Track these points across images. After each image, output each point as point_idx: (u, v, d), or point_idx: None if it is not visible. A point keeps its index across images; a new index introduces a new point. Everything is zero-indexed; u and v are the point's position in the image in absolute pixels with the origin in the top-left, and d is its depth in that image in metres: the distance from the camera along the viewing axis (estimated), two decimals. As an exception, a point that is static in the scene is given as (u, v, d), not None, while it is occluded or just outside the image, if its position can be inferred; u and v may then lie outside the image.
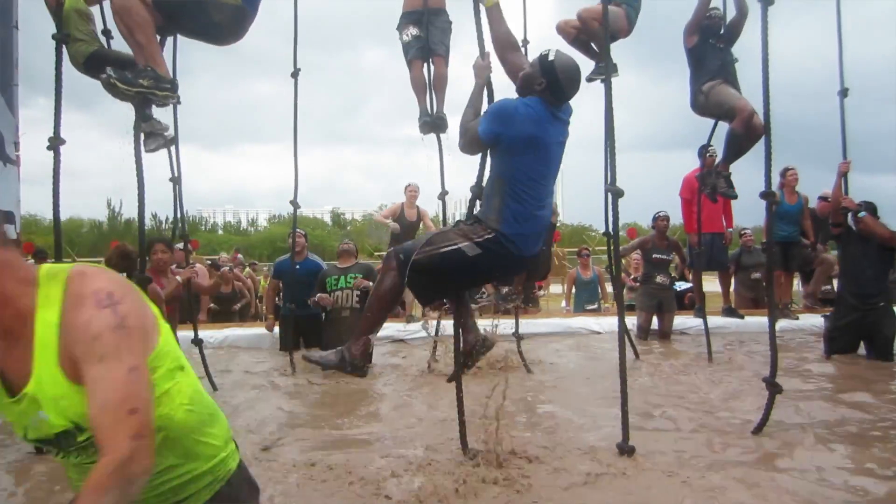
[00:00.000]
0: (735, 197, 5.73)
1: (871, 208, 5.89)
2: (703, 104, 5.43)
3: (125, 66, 4.97)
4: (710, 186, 5.69)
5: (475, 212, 3.19)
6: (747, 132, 4.99)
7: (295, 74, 5.63)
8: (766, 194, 3.53)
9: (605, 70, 3.52)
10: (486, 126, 2.98)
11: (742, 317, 8.03)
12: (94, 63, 5.13)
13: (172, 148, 4.88)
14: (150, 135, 4.30)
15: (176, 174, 4.98)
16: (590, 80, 5.38)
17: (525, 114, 2.91)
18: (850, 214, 5.89)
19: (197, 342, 5.35)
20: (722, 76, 5.34)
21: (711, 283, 8.60)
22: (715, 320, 7.56)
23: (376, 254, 16.58)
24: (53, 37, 3.57)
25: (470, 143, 3.14)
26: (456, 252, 2.94)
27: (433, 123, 5.13)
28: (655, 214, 7.75)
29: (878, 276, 5.90)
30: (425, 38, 4.98)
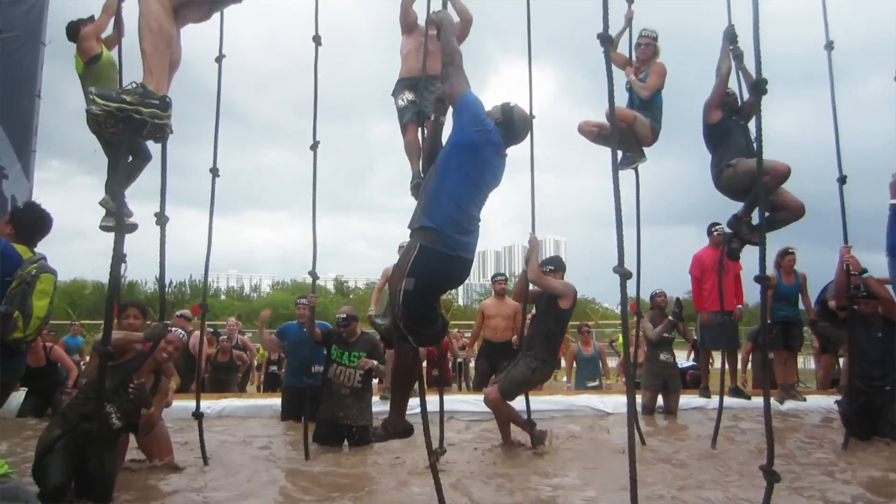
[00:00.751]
0: (757, 242, 5.56)
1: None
2: (730, 176, 5.31)
3: (138, 152, 5.15)
4: (732, 240, 5.56)
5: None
6: (773, 185, 5.00)
7: (314, 147, 5.73)
8: (761, 278, 3.53)
9: (614, 167, 3.60)
10: (443, 163, 3.36)
11: (749, 397, 7.90)
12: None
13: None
14: (110, 214, 4.39)
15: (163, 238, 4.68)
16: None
17: (487, 122, 3.35)
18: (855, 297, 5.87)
19: (197, 416, 5.21)
20: (748, 153, 5.36)
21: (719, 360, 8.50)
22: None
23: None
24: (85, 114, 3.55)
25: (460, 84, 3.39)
26: (405, 295, 3.22)
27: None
28: (653, 293, 7.76)
29: (884, 359, 5.85)
30: (420, 103, 5.10)
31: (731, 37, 5.31)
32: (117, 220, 3.64)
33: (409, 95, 5.31)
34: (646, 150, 6.08)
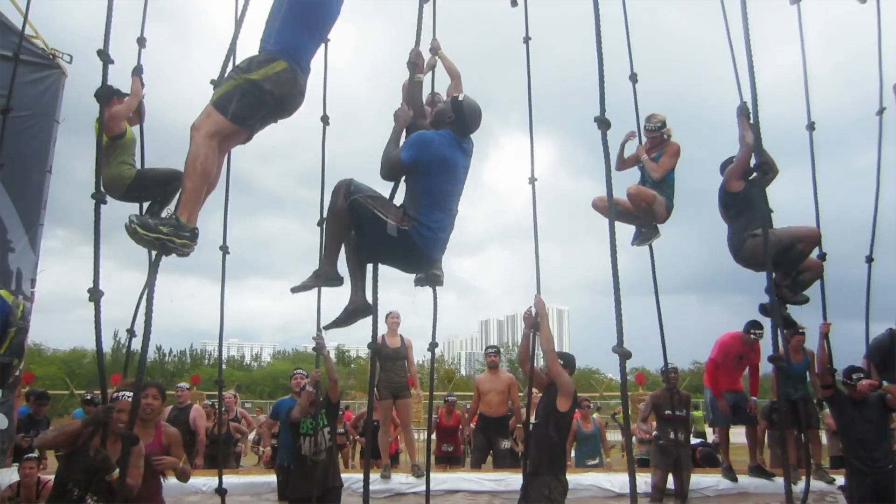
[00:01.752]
0: (806, 300, 5.53)
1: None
2: (757, 245, 5.19)
3: (167, 182, 5.42)
4: (780, 307, 5.50)
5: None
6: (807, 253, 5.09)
7: (321, 223, 5.84)
8: (774, 358, 3.52)
9: (611, 241, 3.63)
10: (408, 153, 3.54)
11: (772, 477, 7.64)
12: (137, 184, 5.64)
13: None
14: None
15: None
16: (636, 244, 5.60)
17: (439, 141, 3.55)
18: (842, 377, 5.84)
19: (221, 492, 5.16)
20: (771, 222, 5.40)
21: (736, 435, 8.30)
22: (741, 480, 7.22)
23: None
24: (92, 196, 3.66)
25: (392, 169, 3.63)
26: (381, 222, 3.44)
27: (428, 278, 5.22)
28: (664, 368, 7.63)
29: (881, 437, 5.72)
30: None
31: (746, 112, 5.42)
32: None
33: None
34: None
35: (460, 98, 3.77)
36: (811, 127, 6.29)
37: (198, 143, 3.31)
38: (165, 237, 3.31)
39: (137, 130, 6.02)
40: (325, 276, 3.68)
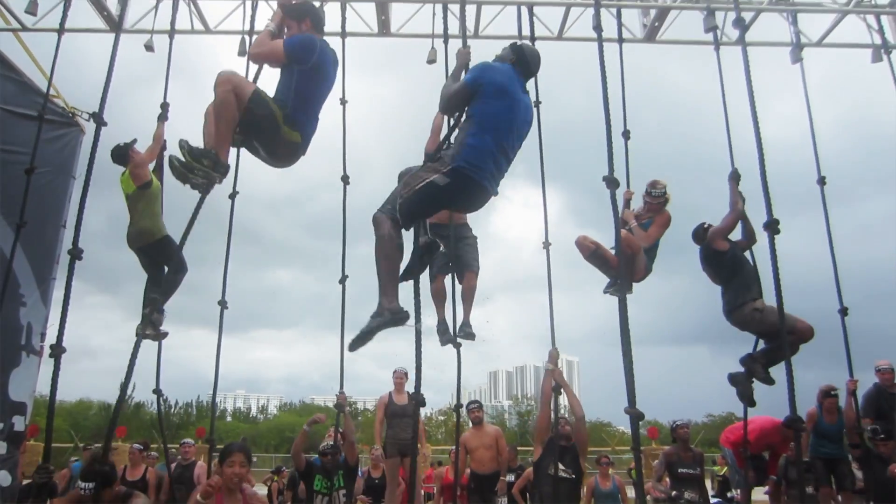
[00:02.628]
0: (772, 382, 5.52)
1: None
2: (757, 319, 5.39)
3: (178, 265, 5.66)
4: (743, 381, 5.52)
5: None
6: (796, 346, 5.09)
7: (342, 281, 5.91)
8: (792, 421, 3.45)
9: (620, 290, 3.64)
10: (470, 75, 3.68)
11: None
12: (159, 246, 5.85)
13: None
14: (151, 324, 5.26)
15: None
16: (606, 292, 5.57)
17: (499, 69, 3.67)
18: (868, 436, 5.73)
19: None
20: (760, 288, 5.49)
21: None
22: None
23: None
24: (69, 252, 3.80)
25: (453, 97, 3.71)
26: (429, 185, 3.47)
27: (464, 334, 5.25)
28: (674, 424, 7.47)
29: None
30: (448, 254, 5.23)
31: (736, 178, 5.60)
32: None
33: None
34: (655, 270, 6.20)
35: (518, 43, 3.90)
36: (822, 181, 6.39)
37: (224, 95, 3.60)
38: (204, 169, 3.67)
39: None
40: (389, 314, 3.45)
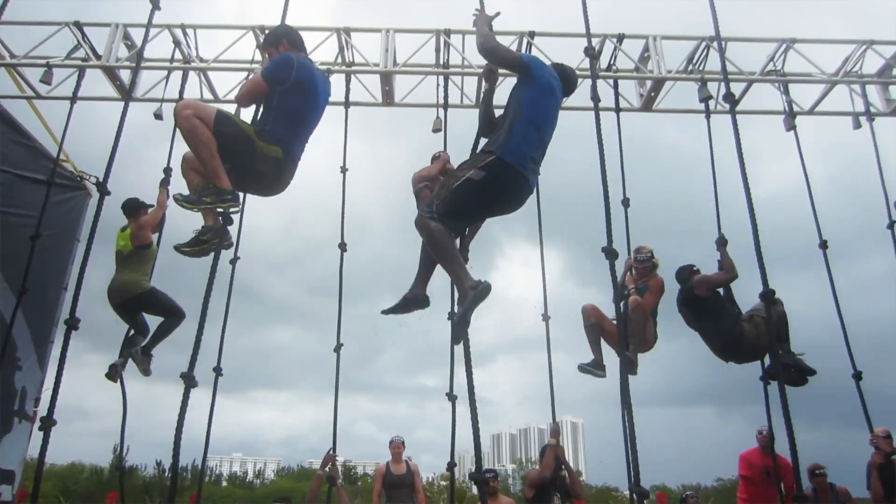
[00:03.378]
0: (814, 372, 5.49)
1: None
2: (751, 330, 5.50)
3: (168, 311, 5.72)
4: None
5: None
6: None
7: (337, 349, 5.91)
8: (798, 498, 3.37)
9: (623, 369, 3.62)
10: (527, 57, 3.82)
11: None
12: (143, 298, 5.86)
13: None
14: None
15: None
16: (582, 370, 5.67)
17: (550, 69, 3.80)
18: None
19: None
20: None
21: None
22: None
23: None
24: (65, 322, 3.81)
25: (505, 55, 3.85)
26: (465, 182, 3.44)
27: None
28: (684, 495, 7.33)
29: None
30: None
31: (724, 242, 5.79)
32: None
33: None
34: (659, 331, 6.19)
35: (560, 63, 4.07)
36: (823, 245, 6.49)
37: (189, 120, 3.44)
38: (211, 205, 3.52)
39: (155, 238, 6.39)
40: (472, 292, 3.41)
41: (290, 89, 3.64)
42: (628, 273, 6.39)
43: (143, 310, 6.23)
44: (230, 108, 3.88)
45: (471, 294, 3.33)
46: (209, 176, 3.56)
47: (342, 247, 6.28)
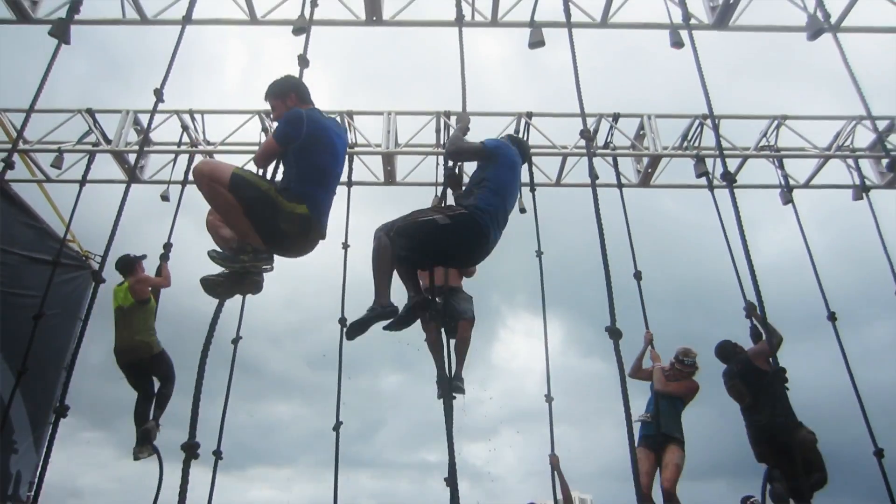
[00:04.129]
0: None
1: None
2: (810, 441, 5.29)
3: (169, 379, 5.67)
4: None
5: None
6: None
7: (336, 428, 5.85)
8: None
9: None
10: (491, 142, 4.13)
11: None
12: (153, 361, 6.11)
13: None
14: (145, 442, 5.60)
15: None
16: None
17: (511, 148, 4.19)
18: None
19: None
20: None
21: None
22: None
23: None
24: (55, 410, 3.77)
25: (469, 150, 4.19)
26: (431, 221, 3.69)
27: (451, 387, 5.10)
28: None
29: None
30: (443, 306, 5.12)
31: (753, 308, 5.72)
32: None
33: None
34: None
35: (516, 135, 4.51)
36: (832, 318, 6.50)
37: (213, 188, 3.42)
38: (248, 263, 3.48)
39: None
40: (380, 309, 3.72)
41: (306, 145, 3.58)
42: (653, 347, 6.37)
43: (151, 372, 6.23)
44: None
45: (378, 309, 3.71)
46: (241, 236, 3.51)
47: (342, 322, 6.28)
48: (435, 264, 4.27)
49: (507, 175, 4.06)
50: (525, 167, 7.91)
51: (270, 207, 3.42)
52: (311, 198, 3.54)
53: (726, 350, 6.03)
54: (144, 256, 6.53)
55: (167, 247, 6.96)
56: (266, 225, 3.48)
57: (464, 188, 4.20)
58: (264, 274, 3.62)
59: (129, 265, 6.40)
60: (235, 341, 6.09)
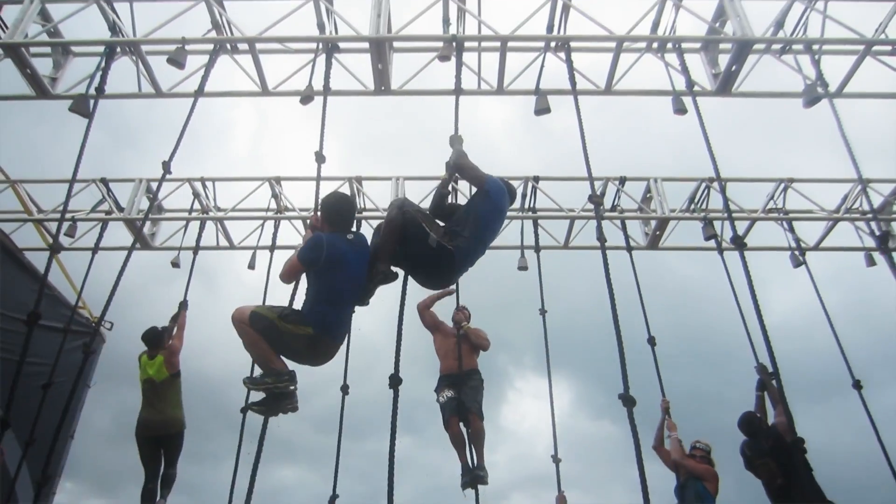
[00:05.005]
0: None
1: None
2: None
3: (177, 457, 6.16)
4: None
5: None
6: None
7: (332, 501, 5.76)
8: None
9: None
10: (493, 187, 4.30)
11: None
12: (179, 433, 6.26)
13: None
14: None
15: None
16: None
17: (505, 197, 4.41)
18: None
19: None
20: None
21: None
22: None
23: None
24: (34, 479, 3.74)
25: (471, 178, 4.40)
26: (423, 232, 3.97)
27: (473, 477, 5.24)
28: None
29: None
30: (460, 398, 5.46)
31: (762, 388, 5.63)
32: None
33: (449, 392, 5.73)
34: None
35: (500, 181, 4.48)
36: (857, 386, 6.39)
37: (246, 334, 3.94)
38: (272, 385, 3.94)
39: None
40: (382, 274, 4.12)
41: (323, 269, 3.96)
42: (670, 416, 6.25)
43: (170, 449, 6.28)
44: (244, 254, 4.05)
45: (381, 275, 4.10)
46: (264, 364, 4.01)
47: (344, 390, 6.30)
48: (399, 266, 4.41)
49: (494, 218, 4.33)
50: (531, 228, 8.10)
51: (276, 332, 3.90)
52: (319, 317, 3.94)
53: (753, 424, 5.77)
54: (172, 329, 6.65)
55: (183, 304, 7.07)
56: (279, 345, 3.97)
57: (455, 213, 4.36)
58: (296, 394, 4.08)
59: (158, 338, 6.52)
60: (244, 410, 5.99)
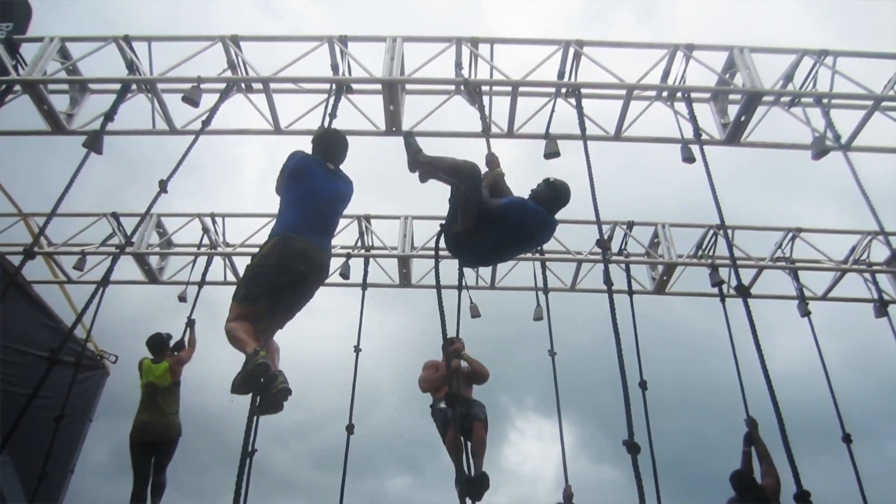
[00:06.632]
0: None
1: None
2: None
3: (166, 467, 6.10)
4: None
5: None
6: None
7: None
8: None
9: None
10: (506, 205, 4.22)
11: None
12: (175, 440, 6.28)
13: None
14: None
15: None
16: None
17: (531, 211, 4.28)
18: None
19: None
20: None
21: None
22: None
23: None
24: None
25: (482, 202, 4.11)
26: (452, 218, 4.21)
27: (472, 482, 4.84)
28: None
29: None
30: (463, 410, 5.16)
31: (749, 442, 5.56)
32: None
33: (443, 404, 5.54)
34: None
35: (552, 179, 4.35)
36: (847, 439, 6.31)
37: (226, 327, 3.69)
38: (248, 364, 3.50)
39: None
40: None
41: (290, 178, 3.98)
42: None
43: (163, 455, 6.27)
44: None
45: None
46: (243, 350, 3.66)
47: (349, 429, 6.19)
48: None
49: (514, 237, 4.30)
50: (538, 268, 8.08)
51: (254, 278, 3.73)
52: (281, 221, 3.89)
53: (744, 481, 5.60)
54: (170, 336, 6.79)
55: (192, 321, 7.14)
56: (262, 294, 3.71)
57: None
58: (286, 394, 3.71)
59: (163, 344, 6.64)
60: (251, 454, 5.94)
